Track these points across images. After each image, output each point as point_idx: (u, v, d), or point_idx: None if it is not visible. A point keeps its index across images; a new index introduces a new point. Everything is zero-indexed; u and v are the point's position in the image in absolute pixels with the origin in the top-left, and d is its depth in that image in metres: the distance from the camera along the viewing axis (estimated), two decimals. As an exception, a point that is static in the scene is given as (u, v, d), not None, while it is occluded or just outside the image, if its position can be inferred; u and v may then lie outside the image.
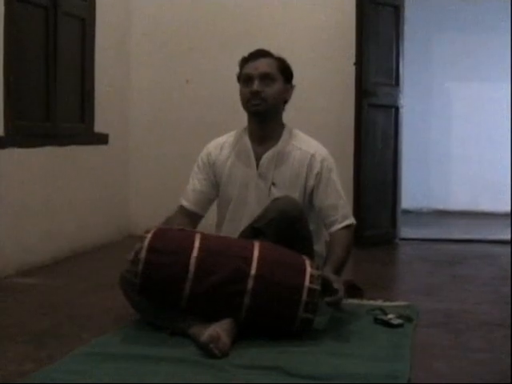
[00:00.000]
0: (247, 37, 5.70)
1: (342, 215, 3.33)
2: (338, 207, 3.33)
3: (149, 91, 5.95)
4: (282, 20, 5.80)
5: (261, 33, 5.74)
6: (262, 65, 3.28)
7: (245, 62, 3.33)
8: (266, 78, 3.27)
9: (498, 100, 7.82)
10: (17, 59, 4.37)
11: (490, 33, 7.80)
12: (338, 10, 5.71)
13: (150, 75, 5.95)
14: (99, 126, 5.39)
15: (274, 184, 3.32)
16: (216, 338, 2.65)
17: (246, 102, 3.31)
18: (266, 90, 3.27)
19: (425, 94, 7.95)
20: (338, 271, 3.15)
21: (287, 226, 3.05)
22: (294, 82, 3.39)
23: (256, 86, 3.25)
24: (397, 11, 5.82)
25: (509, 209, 7.15)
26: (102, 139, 5.43)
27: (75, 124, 5.17)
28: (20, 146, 4.36)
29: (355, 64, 5.54)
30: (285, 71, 3.34)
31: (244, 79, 3.30)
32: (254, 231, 3.09)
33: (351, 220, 3.37)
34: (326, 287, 2.89)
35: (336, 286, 2.90)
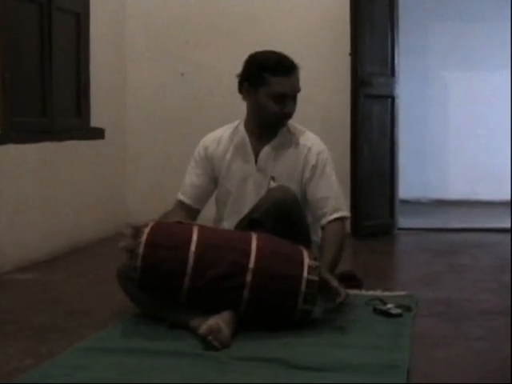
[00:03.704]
0: (243, 30, 5.70)
1: (333, 208, 3.29)
2: (329, 200, 3.30)
3: (144, 85, 5.94)
4: (276, 11, 5.79)
5: (256, 25, 5.73)
6: (296, 83, 3.24)
7: (271, 71, 3.19)
8: (296, 95, 3.26)
9: (494, 88, 7.81)
10: (12, 55, 4.36)
11: (485, 21, 7.78)
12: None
13: (146, 69, 5.94)
14: (95, 121, 5.38)
15: (273, 178, 3.32)
16: (216, 330, 2.65)
17: (275, 119, 3.27)
18: (294, 105, 3.27)
19: (421, 84, 7.94)
20: (331, 268, 3.14)
21: (283, 214, 3.04)
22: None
23: (292, 107, 3.24)
24: (391, 0, 5.81)
25: (506, 197, 7.14)
26: (99, 134, 5.42)
27: (71, 119, 5.16)
28: (16, 141, 4.35)
29: (350, 54, 5.53)
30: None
31: (274, 95, 3.20)
32: (250, 222, 3.09)
33: (343, 213, 3.33)
34: (325, 288, 2.89)
35: (335, 284, 2.91)
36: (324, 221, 3.30)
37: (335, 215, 3.29)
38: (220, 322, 2.70)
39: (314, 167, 3.33)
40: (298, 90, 3.25)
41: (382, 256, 4.99)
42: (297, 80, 3.25)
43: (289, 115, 3.27)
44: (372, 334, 2.87)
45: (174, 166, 5.54)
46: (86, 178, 5.21)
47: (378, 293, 3.49)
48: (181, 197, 3.43)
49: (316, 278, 2.83)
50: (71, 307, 3.42)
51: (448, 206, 7.61)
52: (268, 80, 3.20)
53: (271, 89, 3.20)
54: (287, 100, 3.22)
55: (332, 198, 3.32)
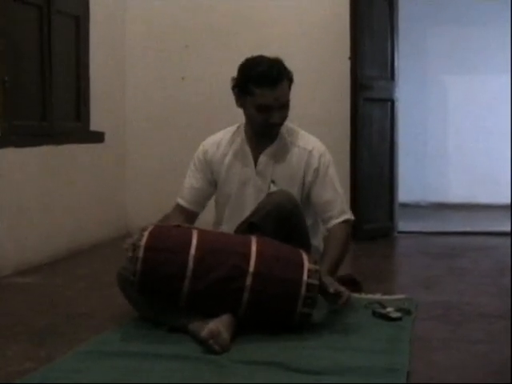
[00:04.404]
0: (242, 33, 5.70)
1: (339, 210, 3.32)
2: (335, 203, 3.33)
3: (144, 89, 5.95)
4: (276, 15, 5.78)
5: (256, 29, 5.72)
6: (281, 95, 3.18)
7: (255, 82, 3.17)
8: (283, 105, 3.23)
9: (494, 92, 7.82)
10: (11, 59, 4.36)
11: (485, 25, 7.79)
12: (331, 3, 5.70)
13: (146, 72, 5.94)
14: (95, 125, 5.38)
15: (273, 182, 3.32)
16: (216, 334, 2.66)
17: (262, 128, 3.27)
18: (282, 116, 3.24)
19: (420, 87, 7.95)
20: (334, 269, 3.15)
21: (283, 219, 3.05)
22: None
23: (277, 118, 3.21)
24: (391, 4, 5.82)
25: (506, 200, 7.15)
26: (98, 137, 5.42)
27: (71, 123, 5.16)
28: (16, 145, 4.35)
29: (350, 58, 5.53)
30: (291, 84, 3.27)
31: (260, 107, 3.19)
32: (249, 226, 3.09)
33: (348, 215, 3.36)
34: (323, 292, 2.90)
35: (331, 290, 2.91)
36: (330, 224, 3.31)
37: (341, 218, 3.32)
38: (220, 325, 2.70)
39: (317, 170, 3.33)
40: (285, 100, 3.21)
41: (382, 259, 4.99)
42: (283, 91, 3.19)
43: (274, 126, 3.25)
44: (371, 337, 2.87)
45: (174, 169, 5.54)
46: (85, 182, 5.21)
47: (378, 296, 3.48)
48: (180, 200, 3.43)
49: (316, 282, 2.83)
50: (71, 311, 3.42)
51: (447, 210, 7.62)
52: (253, 91, 3.18)
53: (255, 100, 3.19)
54: (273, 111, 3.19)
55: (338, 200, 3.34)
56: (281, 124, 3.28)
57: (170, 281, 2.83)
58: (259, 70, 3.17)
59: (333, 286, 2.94)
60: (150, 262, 2.81)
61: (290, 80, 3.25)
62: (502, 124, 7.56)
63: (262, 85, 3.15)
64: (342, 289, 2.96)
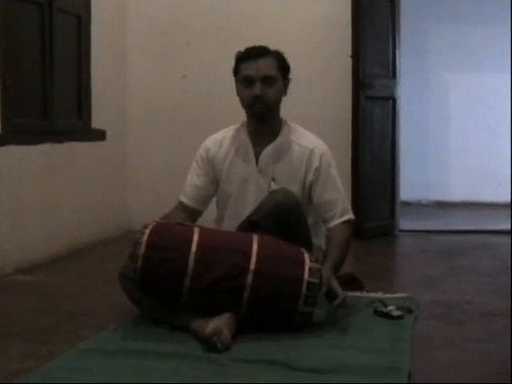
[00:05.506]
0: (244, 31, 5.68)
1: (341, 210, 3.32)
2: (337, 202, 3.32)
3: (146, 87, 5.95)
4: (278, 13, 5.79)
5: (257, 27, 5.73)
6: (263, 66, 3.22)
7: (243, 59, 3.27)
8: (267, 79, 3.23)
9: (495, 90, 7.81)
10: (13, 57, 4.36)
11: (487, 23, 7.79)
12: (333, 2, 5.70)
13: (147, 71, 5.94)
14: (96, 123, 5.38)
15: (273, 179, 3.31)
16: (218, 332, 2.66)
17: (248, 105, 3.28)
18: (267, 92, 3.23)
19: (422, 85, 7.95)
20: (336, 268, 3.14)
21: (284, 218, 3.04)
22: (291, 74, 3.38)
23: (258, 89, 3.21)
24: (393, 2, 5.81)
25: (508, 199, 7.14)
26: (100, 135, 5.42)
27: (72, 121, 5.16)
28: (18, 143, 4.35)
29: (351, 56, 5.53)
30: (284, 68, 3.30)
31: (244, 80, 3.25)
32: (251, 224, 3.09)
33: (350, 215, 3.35)
34: (329, 292, 2.91)
35: (337, 290, 2.91)
36: (332, 223, 3.30)
37: (344, 218, 3.31)
38: (221, 323, 2.71)
39: (318, 169, 3.32)
40: (268, 73, 3.22)
41: (383, 258, 4.99)
42: (266, 63, 3.23)
43: (257, 98, 3.22)
44: (373, 336, 2.86)
45: (175, 167, 5.54)
46: (86, 180, 5.21)
47: (379, 295, 3.48)
48: (182, 198, 3.43)
49: (316, 281, 2.83)
50: (72, 309, 3.42)
51: (449, 208, 7.62)
52: (239, 68, 3.28)
53: (241, 74, 3.27)
54: (255, 83, 3.22)
55: (339, 200, 3.33)
56: (264, 100, 3.23)
57: (170, 278, 2.83)
58: (247, 48, 3.31)
59: (334, 283, 2.94)
60: (150, 259, 2.81)
61: (283, 65, 3.29)
62: (504, 122, 7.54)
63: (246, 59, 3.25)
64: (341, 290, 2.96)
